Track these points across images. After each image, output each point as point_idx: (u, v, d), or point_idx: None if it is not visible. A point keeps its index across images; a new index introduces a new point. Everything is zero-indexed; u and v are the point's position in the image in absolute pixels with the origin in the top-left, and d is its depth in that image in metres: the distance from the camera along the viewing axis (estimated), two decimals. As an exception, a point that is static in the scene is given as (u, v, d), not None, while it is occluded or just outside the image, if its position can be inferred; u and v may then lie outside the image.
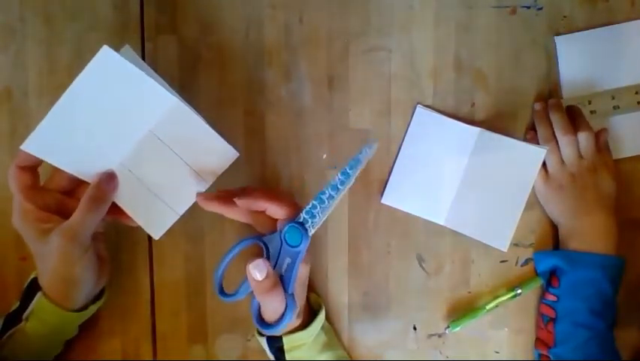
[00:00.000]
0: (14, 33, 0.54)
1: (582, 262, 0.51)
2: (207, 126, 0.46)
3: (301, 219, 0.42)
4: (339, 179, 0.40)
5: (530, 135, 0.55)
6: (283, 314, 0.42)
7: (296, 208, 0.44)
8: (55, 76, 0.54)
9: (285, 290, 0.42)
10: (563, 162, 0.52)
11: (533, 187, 0.54)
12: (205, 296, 0.55)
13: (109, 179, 0.46)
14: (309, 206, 0.41)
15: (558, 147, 0.52)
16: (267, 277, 0.41)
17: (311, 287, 0.55)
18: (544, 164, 0.53)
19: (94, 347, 0.54)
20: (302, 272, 0.45)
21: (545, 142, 0.53)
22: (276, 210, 0.45)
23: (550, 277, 0.54)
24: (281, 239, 0.43)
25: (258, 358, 0.55)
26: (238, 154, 0.47)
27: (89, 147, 0.46)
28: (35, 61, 0.54)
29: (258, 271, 0.41)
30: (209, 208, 0.46)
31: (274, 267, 0.43)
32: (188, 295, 0.55)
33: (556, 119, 0.52)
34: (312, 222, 0.41)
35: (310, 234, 0.41)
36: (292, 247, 0.42)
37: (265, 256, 0.44)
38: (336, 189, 0.40)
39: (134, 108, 0.45)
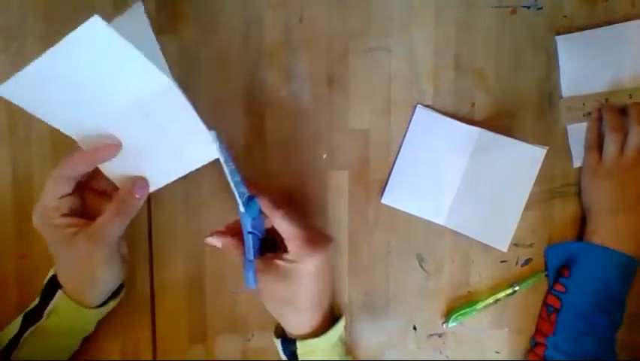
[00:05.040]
0: (14, 33, 0.54)
1: (599, 257, 0.50)
2: (194, 113, 0.44)
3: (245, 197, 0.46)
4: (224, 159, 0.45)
5: (597, 115, 0.53)
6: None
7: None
8: (56, 76, 0.54)
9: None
10: (622, 153, 0.51)
11: (534, 186, 0.54)
12: (205, 296, 0.55)
13: (141, 186, 0.47)
14: (237, 194, 0.45)
15: (616, 139, 0.51)
16: None
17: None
18: (597, 148, 0.52)
19: (94, 347, 0.54)
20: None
21: (612, 130, 0.51)
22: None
23: (562, 268, 0.53)
24: (252, 223, 0.47)
25: (258, 358, 0.55)
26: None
27: (72, 104, 0.44)
28: (35, 61, 0.54)
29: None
30: (225, 248, 0.48)
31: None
32: (188, 295, 0.55)
33: (634, 108, 0.51)
34: (242, 192, 0.46)
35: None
36: (255, 218, 0.47)
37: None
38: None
39: (121, 80, 0.43)
